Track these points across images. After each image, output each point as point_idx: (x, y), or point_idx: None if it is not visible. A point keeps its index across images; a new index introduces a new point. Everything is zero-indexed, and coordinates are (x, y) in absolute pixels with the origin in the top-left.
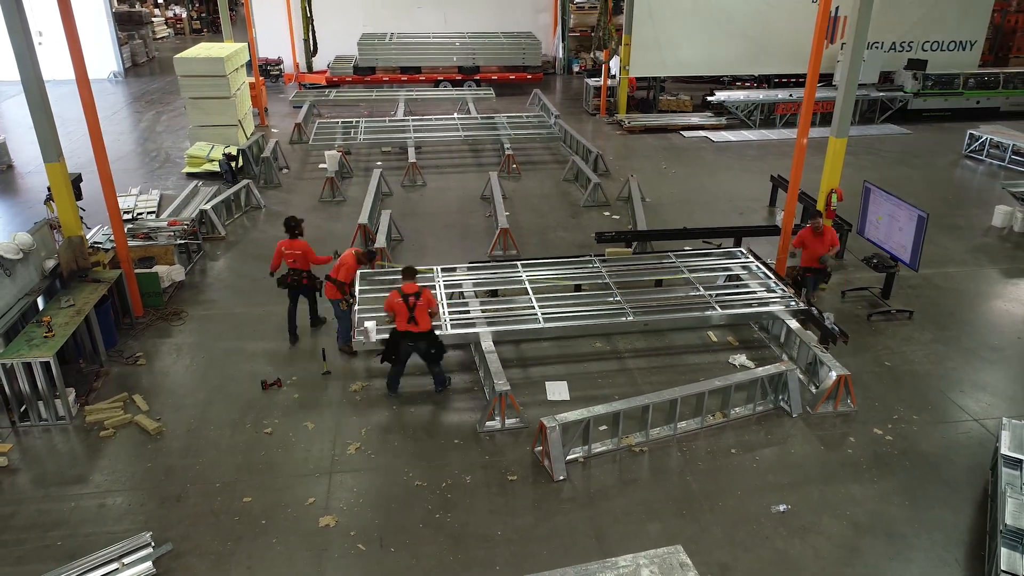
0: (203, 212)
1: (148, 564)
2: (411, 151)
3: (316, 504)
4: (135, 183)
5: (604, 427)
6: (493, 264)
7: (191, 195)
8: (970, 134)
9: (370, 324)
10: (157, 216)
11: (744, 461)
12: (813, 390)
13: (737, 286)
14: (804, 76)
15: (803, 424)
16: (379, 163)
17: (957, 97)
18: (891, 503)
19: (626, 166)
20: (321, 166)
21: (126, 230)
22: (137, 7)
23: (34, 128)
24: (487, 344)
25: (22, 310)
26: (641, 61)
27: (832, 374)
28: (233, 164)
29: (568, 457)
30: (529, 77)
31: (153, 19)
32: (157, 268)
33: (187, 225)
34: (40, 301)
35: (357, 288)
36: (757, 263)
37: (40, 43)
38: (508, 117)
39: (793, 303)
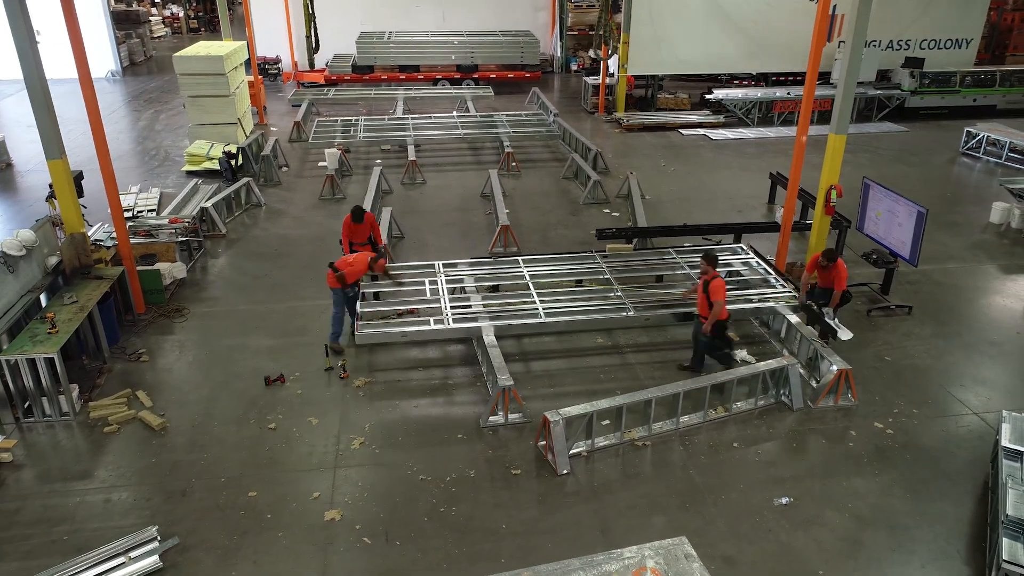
0: (204, 210)
1: (155, 558)
2: (411, 149)
3: (321, 499)
4: (135, 181)
5: (607, 421)
6: (495, 260)
7: (191, 193)
8: (967, 131)
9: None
10: (157, 214)
11: (746, 455)
12: (814, 384)
13: (737, 282)
14: (801, 74)
15: (804, 418)
16: (378, 161)
17: (954, 95)
18: (892, 496)
19: (625, 164)
20: (321, 164)
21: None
22: (134, 6)
23: (36, 125)
24: (489, 338)
25: (25, 307)
26: (639, 59)
27: (833, 368)
28: (233, 162)
29: (571, 451)
30: (527, 76)
31: (150, 18)
32: (159, 265)
33: (188, 223)
34: (43, 298)
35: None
36: (757, 259)
37: (39, 42)
38: (507, 115)
39: (794, 298)
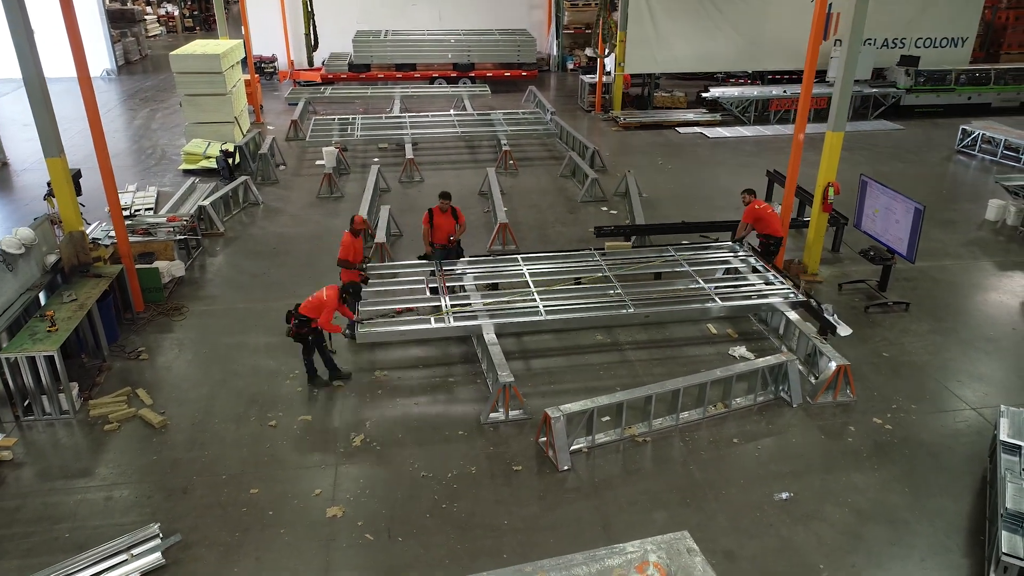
0: (201, 208)
1: (157, 555)
2: (408, 147)
3: (323, 495)
4: (131, 180)
5: (607, 418)
6: (494, 258)
7: (188, 192)
8: (962, 129)
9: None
10: (155, 213)
11: (746, 450)
12: (813, 380)
13: (736, 279)
14: (797, 72)
15: (803, 414)
16: (376, 159)
17: (949, 93)
18: (892, 491)
19: (622, 162)
20: (318, 162)
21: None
22: (129, 5)
23: (35, 123)
24: (490, 336)
25: (24, 305)
26: (636, 58)
27: (832, 364)
28: (230, 161)
29: (572, 447)
30: (524, 74)
31: (146, 17)
32: (157, 264)
33: (186, 221)
34: (42, 296)
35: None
36: (755, 256)
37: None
38: (504, 114)
39: (792, 295)
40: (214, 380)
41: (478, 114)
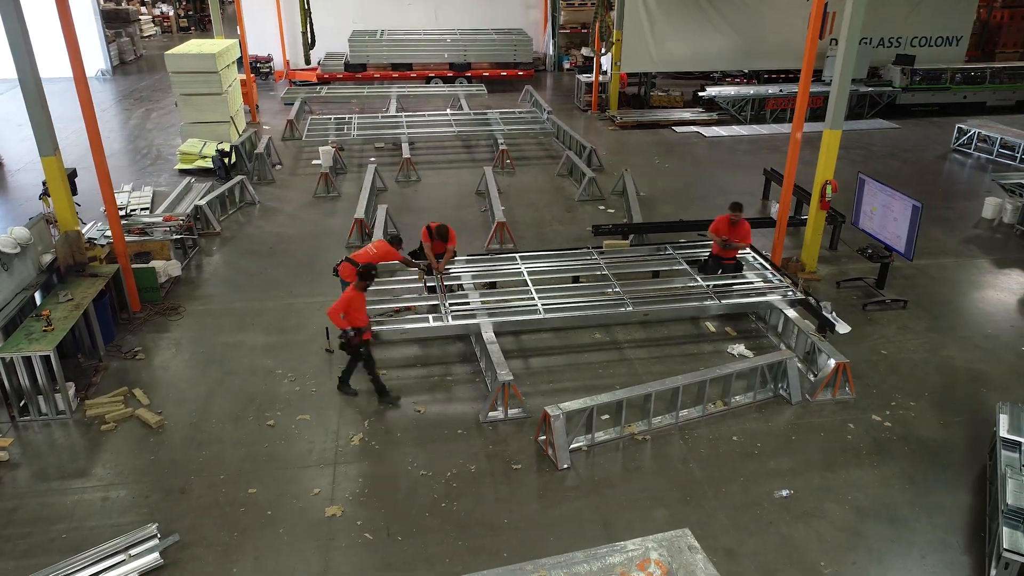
0: (198, 208)
1: (156, 555)
2: (405, 147)
3: (321, 495)
4: (127, 180)
5: (606, 416)
6: (492, 256)
7: (184, 191)
8: (958, 128)
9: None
10: (151, 212)
11: (746, 448)
12: (812, 378)
13: (734, 277)
14: (793, 71)
15: (803, 411)
16: (372, 159)
17: (944, 92)
18: (892, 488)
19: (619, 161)
20: (315, 162)
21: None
22: (124, 5)
23: (30, 121)
24: (488, 335)
25: (20, 305)
26: (632, 57)
27: (831, 362)
28: (226, 160)
29: (572, 446)
30: (520, 74)
31: (140, 17)
32: (154, 263)
33: (182, 221)
34: (38, 296)
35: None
36: (754, 254)
37: None
38: (501, 113)
39: (790, 293)
40: (211, 380)
41: (475, 113)
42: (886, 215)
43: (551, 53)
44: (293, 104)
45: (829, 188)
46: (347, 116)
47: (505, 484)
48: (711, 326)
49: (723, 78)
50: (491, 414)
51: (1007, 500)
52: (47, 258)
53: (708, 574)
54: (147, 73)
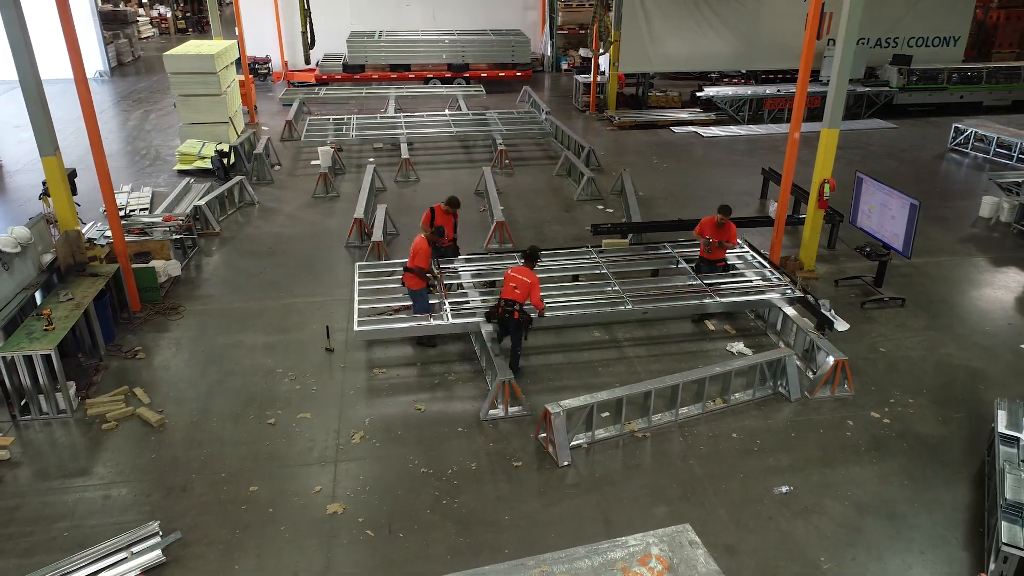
0: (197, 208)
1: (158, 552)
2: (403, 147)
3: (323, 492)
4: (126, 181)
5: (607, 413)
6: (491, 256)
7: (183, 192)
8: (955, 128)
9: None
10: (150, 213)
11: (745, 445)
12: (811, 375)
13: (733, 275)
14: (790, 71)
15: (802, 409)
16: (371, 159)
17: (941, 92)
18: (890, 484)
19: (617, 161)
20: (314, 162)
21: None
22: (122, 6)
23: (30, 121)
24: (488, 333)
25: (20, 304)
26: (630, 57)
27: (830, 359)
28: (225, 161)
29: (572, 443)
30: (518, 74)
31: (138, 18)
32: (154, 263)
33: (182, 221)
34: (38, 295)
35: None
36: (752, 252)
37: None
38: (499, 113)
39: (789, 291)
40: (212, 379)
41: (473, 114)
42: (884, 213)
43: (549, 54)
44: (291, 105)
45: (827, 187)
46: (345, 117)
47: (506, 481)
48: (710, 324)
49: (721, 78)
50: (491, 412)
51: (1006, 495)
52: (47, 258)
53: (709, 569)
54: (145, 75)
